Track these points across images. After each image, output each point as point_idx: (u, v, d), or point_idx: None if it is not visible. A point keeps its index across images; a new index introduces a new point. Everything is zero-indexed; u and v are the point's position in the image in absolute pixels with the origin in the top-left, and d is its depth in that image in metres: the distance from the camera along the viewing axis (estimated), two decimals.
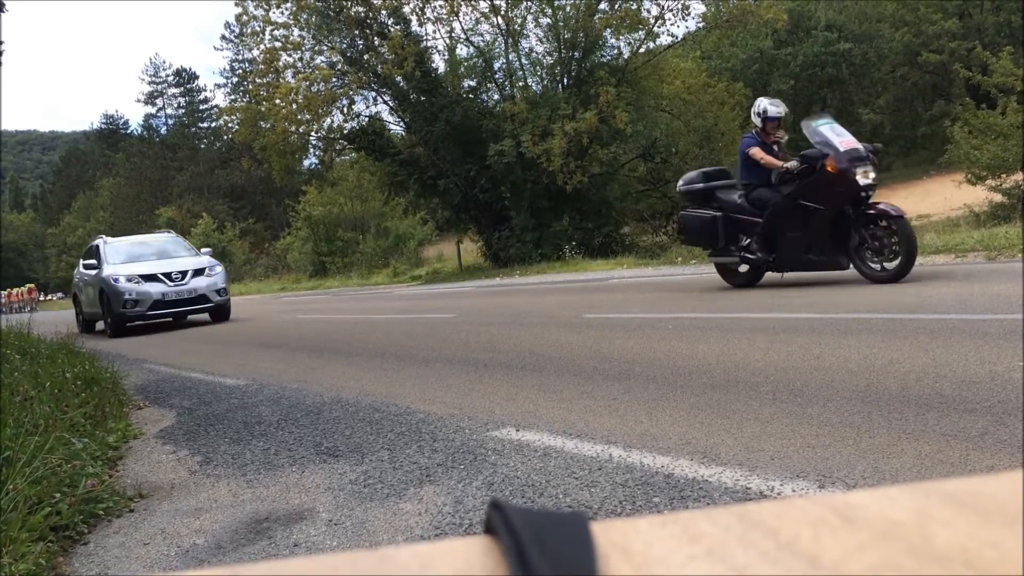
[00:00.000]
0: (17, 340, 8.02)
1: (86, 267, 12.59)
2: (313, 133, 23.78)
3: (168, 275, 11.37)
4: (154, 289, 11.19)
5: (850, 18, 32.99)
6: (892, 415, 2.77)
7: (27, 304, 41.77)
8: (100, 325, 12.94)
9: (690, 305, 7.02)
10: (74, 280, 13.95)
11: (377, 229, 31.51)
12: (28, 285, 46.48)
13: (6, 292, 45.14)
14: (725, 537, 0.26)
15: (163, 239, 13.51)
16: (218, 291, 11.70)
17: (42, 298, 46.62)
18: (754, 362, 3.99)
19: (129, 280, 11.20)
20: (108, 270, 11.53)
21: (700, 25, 22.33)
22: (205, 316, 12.27)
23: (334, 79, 22.62)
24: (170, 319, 12.01)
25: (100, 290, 11.57)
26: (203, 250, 13.00)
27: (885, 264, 6.63)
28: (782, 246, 7.10)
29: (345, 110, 23.51)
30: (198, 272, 11.64)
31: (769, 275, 7.67)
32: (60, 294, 59.37)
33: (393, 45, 20.98)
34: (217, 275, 11.86)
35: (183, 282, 11.38)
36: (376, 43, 22.60)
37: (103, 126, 73.53)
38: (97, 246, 12.62)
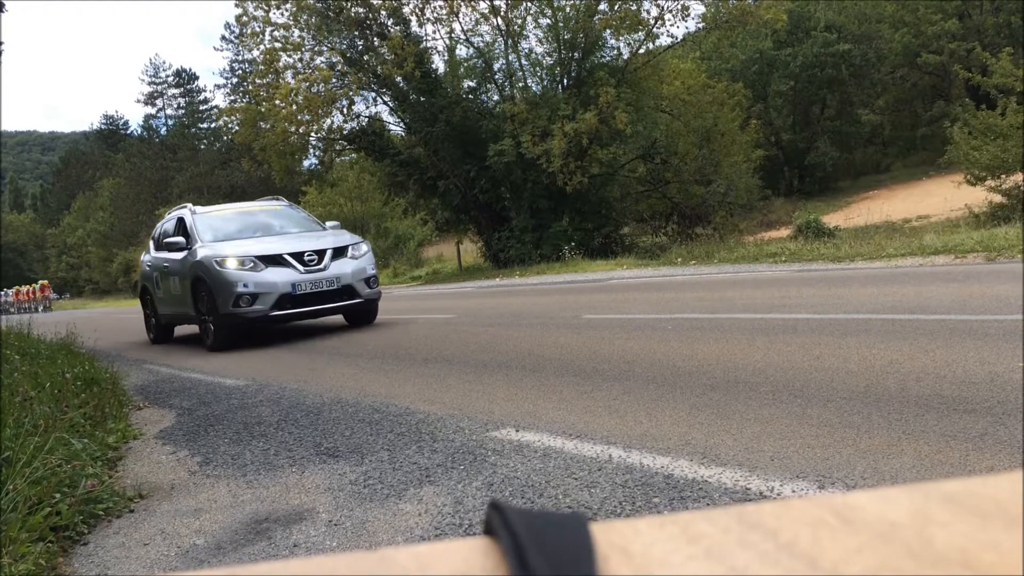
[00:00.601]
0: (17, 340, 8.02)
1: (166, 247, 8.89)
2: (313, 134, 23.78)
3: (299, 256, 7.74)
4: (280, 277, 7.56)
5: (850, 19, 32.97)
6: (892, 415, 2.77)
7: (40, 303, 40.95)
8: (182, 329, 9.88)
9: (690, 305, 7.02)
10: (142, 269, 10.13)
11: (377, 229, 31.51)
12: (41, 282, 44.81)
13: (14, 290, 44.30)
14: (724, 538, 0.26)
15: (273, 208, 9.49)
16: (367, 280, 8.13)
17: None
18: (754, 362, 3.99)
19: (243, 265, 7.59)
20: (206, 251, 7.91)
21: (700, 26, 22.32)
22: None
23: (334, 80, 22.62)
24: (276, 322, 7.98)
25: (194, 280, 8.01)
26: (329, 223, 9.11)
27: None
28: None
29: (345, 111, 23.51)
30: (339, 252, 8.02)
31: None
32: (55, 295, 59.17)
33: (393, 46, 20.99)
34: (364, 257, 8.25)
35: (320, 267, 7.76)
36: (376, 44, 22.61)
37: (103, 126, 73.59)
38: (182, 219, 8.91)
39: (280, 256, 7.74)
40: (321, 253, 7.89)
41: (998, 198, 15.51)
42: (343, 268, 7.91)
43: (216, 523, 2.66)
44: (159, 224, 10.02)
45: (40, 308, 39.52)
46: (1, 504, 2.50)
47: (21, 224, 77.97)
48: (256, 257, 7.69)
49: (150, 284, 9.63)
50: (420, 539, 2.24)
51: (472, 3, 22.19)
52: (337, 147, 24.93)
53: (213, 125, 59.67)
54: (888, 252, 9.70)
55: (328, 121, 23.47)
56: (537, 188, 20.64)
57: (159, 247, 9.37)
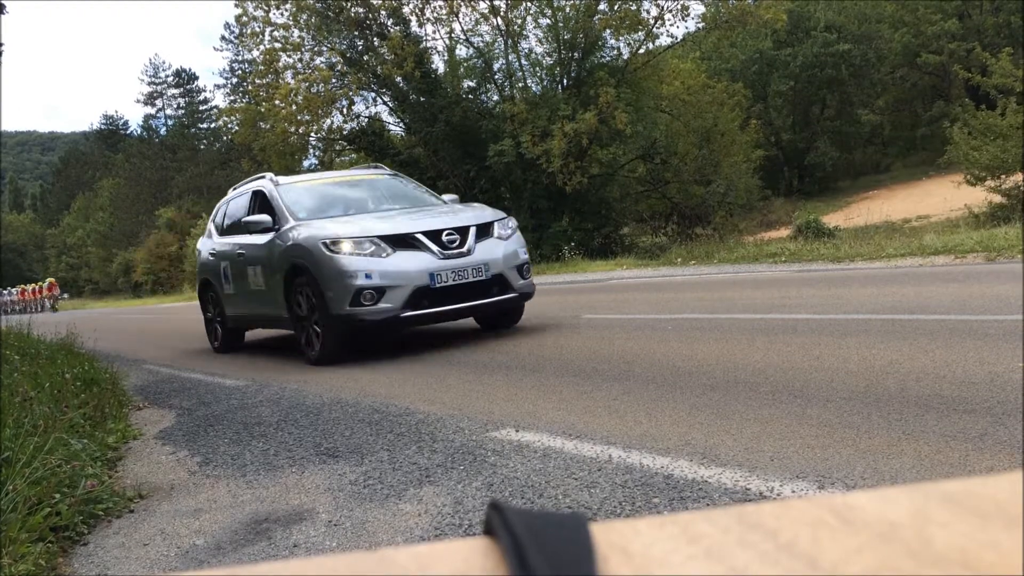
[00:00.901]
0: (17, 340, 8.03)
1: (242, 229, 6.84)
2: (313, 134, 23.81)
3: (435, 236, 5.82)
4: (413, 265, 5.68)
5: (849, 19, 33.00)
6: (892, 416, 2.77)
7: (47, 301, 40.40)
8: (253, 334, 8.17)
9: (690, 305, 7.02)
10: (200, 260, 8.09)
11: None
12: (48, 279, 43.79)
13: (19, 288, 43.79)
14: (724, 538, 0.26)
15: (375, 177, 7.50)
16: (520, 268, 6.21)
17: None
18: (754, 362, 3.99)
19: (362, 248, 5.68)
20: (307, 231, 5.99)
21: (700, 26, 22.35)
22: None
23: (334, 80, 22.64)
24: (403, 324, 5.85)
25: (289, 270, 6.08)
26: (446, 196, 7.22)
27: None
28: None
29: (345, 111, 23.55)
30: (483, 230, 6.11)
31: None
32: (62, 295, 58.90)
33: (393, 46, 21.01)
34: (514, 237, 6.33)
35: (463, 250, 5.85)
36: (376, 44, 22.63)
37: (103, 127, 73.59)
38: (260, 192, 6.89)
39: (411, 236, 5.79)
40: (463, 232, 5.93)
41: (998, 198, 15.52)
42: (492, 252, 6.00)
43: (216, 523, 2.66)
44: (221, 203, 8.04)
45: (48, 306, 39.07)
46: (1, 504, 2.50)
47: (21, 224, 78.02)
48: (380, 238, 5.73)
49: (215, 278, 7.55)
50: (420, 539, 2.24)
51: (472, 3, 22.21)
52: (337, 147, 24.97)
53: (213, 125, 59.69)
54: (888, 252, 9.70)
55: (328, 121, 23.53)
56: (537, 188, 20.65)
57: (226, 231, 7.51)
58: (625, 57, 22.35)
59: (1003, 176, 15.46)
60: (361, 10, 22.36)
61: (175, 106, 64.65)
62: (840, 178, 35.26)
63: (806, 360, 3.86)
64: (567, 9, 21.76)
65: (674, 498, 2.28)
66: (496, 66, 23.18)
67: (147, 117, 64.92)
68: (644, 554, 0.25)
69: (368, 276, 5.61)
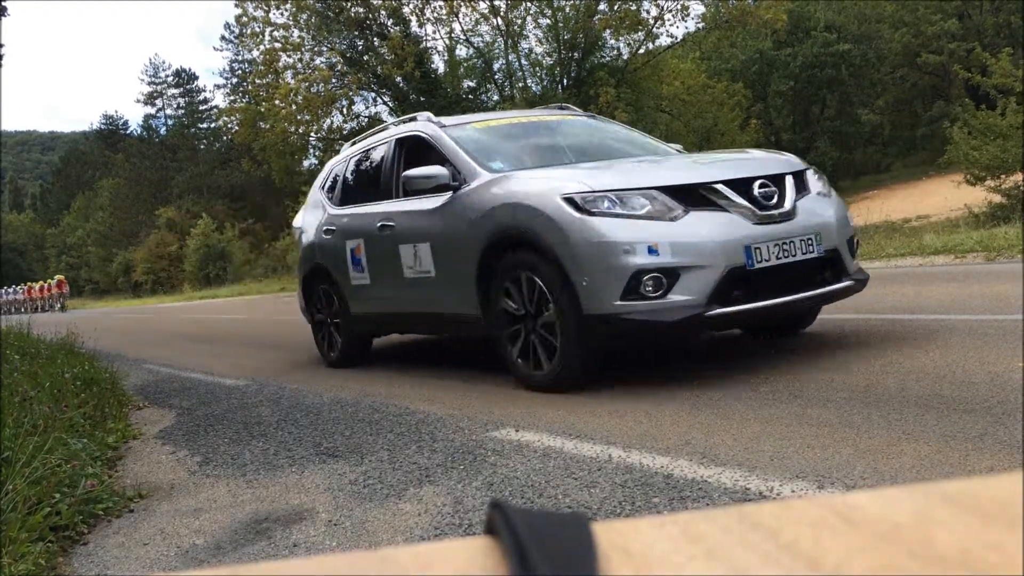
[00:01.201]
0: (17, 340, 8.03)
1: (396, 189, 4.90)
2: (313, 134, 23.80)
3: (742, 187, 3.62)
4: (718, 231, 3.48)
5: (849, 19, 33.04)
6: (892, 415, 2.77)
7: (56, 300, 39.60)
8: (379, 339, 6.03)
9: None
10: (307, 243, 5.82)
11: None
12: (57, 277, 42.05)
13: (26, 286, 42.90)
14: (725, 538, 0.26)
15: (565, 117, 5.40)
16: (851, 243, 4.02)
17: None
18: (754, 362, 3.99)
19: (630, 205, 3.51)
20: (526, 183, 3.92)
21: (699, 26, 22.38)
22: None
23: (334, 80, 22.65)
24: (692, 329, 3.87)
25: (488, 245, 3.96)
26: (673, 146, 5.25)
27: None
28: None
29: (345, 111, 23.57)
30: (799, 180, 3.93)
31: None
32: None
33: (393, 46, 21.02)
34: (834, 194, 4.17)
35: (782, 208, 3.66)
36: (376, 44, 22.64)
37: (103, 126, 73.47)
38: (418, 138, 4.83)
39: (708, 187, 3.64)
40: (779, 182, 3.79)
41: (998, 198, 15.51)
42: (821, 213, 3.89)
43: (216, 523, 2.66)
44: (336, 163, 5.96)
45: (57, 306, 38.32)
46: (1, 504, 2.50)
47: (21, 224, 77.98)
48: (662, 189, 3.60)
49: (333, 264, 5.46)
50: (420, 539, 2.24)
51: (472, 3, 22.21)
52: (337, 147, 24.96)
53: (213, 125, 59.61)
54: (888, 252, 9.69)
55: (328, 121, 23.53)
56: None
57: (348, 199, 5.53)
58: (625, 57, 22.37)
59: (1003, 176, 15.45)
60: (361, 10, 22.37)
61: (175, 106, 64.61)
62: (840, 178, 35.19)
63: (806, 360, 3.86)
64: (567, 9, 21.78)
65: (674, 498, 2.28)
66: (496, 66, 23.21)
67: (147, 117, 64.84)
68: (645, 554, 0.25)
69: (652, 251, 3.45)
